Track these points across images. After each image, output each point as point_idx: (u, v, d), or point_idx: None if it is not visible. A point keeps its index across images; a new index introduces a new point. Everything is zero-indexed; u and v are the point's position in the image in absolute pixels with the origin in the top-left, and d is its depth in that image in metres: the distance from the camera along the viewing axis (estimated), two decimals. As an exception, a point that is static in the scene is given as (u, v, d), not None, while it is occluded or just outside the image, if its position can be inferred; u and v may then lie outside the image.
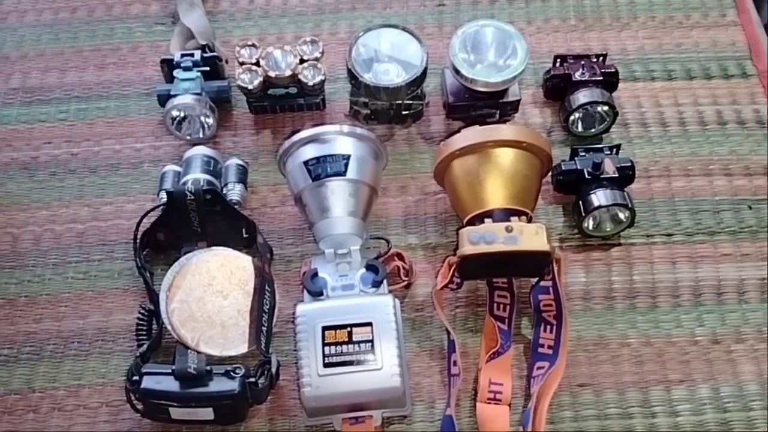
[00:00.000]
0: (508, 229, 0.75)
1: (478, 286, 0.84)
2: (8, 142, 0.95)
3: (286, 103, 0.93)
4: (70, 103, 0.98)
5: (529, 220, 0.79)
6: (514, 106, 0.92)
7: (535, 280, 0.80)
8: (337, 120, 0.94)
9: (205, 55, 0.92)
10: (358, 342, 0.73)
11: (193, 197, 0.81)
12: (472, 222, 0.79)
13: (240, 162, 0.89)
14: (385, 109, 0.92)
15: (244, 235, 0.84)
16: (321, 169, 0.80)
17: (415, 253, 0.86)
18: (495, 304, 0.81)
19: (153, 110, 0.96)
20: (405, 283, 0.83)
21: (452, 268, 0.77)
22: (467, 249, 0.75)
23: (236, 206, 0.85)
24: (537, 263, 0.77)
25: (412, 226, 0.88)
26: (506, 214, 0.78)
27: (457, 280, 0.78)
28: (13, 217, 0.90)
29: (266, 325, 0.77)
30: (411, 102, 0.91)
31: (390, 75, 0.89)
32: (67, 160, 0.93)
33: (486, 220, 0.78)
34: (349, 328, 0.73)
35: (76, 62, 1.01)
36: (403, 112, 0.92)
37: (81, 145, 0.94)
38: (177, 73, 0.90)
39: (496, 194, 0.79)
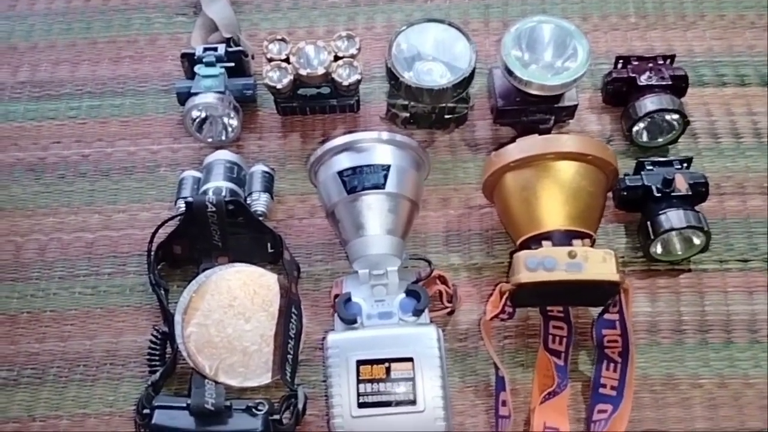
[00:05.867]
0: (572, 255, 0.67)
1: (529, 314, 0.76)
2: (14, 141, 0.90)
3: (317, 104, 0.87)
4: (82, 99, 0.92)
5: (593, 243, 0.71)
6: (571, 111, 0.84)
7: (598, 311, 0.71)
8: (373, 123, 0.88)
9: (230, 49, 0.87)
10: (397, 380, 0.66)
11: (214, 209, 0.75)
12: (528, 244, 0.71)
13: (266, 169, 0.82)
14: (427, 113, 0.84)
15: (269, 250, 0.79)
16: (357, 180, 0.73)
17: (457, 274, 0.79)
18: (550, 337, 0.73)
19: (172, 109, 0.90)
20: (448, 309, 0.75)
21: (504, 297, 0.69)
22: (524, 276, 0.67)
23: (261, 218, 0.79)
24: (602, 293, 0.69)
25: (454, 244, 0.81)
26: (567, 237, 0.70)
27: (509, 309, 0.70)
28: (16, 224, 0.84)
29: (292, 352, 0.72)
30: (455, 105, 0.84)
31: (433, 75, 0.81)
32: (77, 161, 0.88)
33: (544, 242, 0.70)
34: (387, 364, 0.67)
35: (90, 55, 0.95)
36: (446, 116, 0.85)
37: (92, 145, 0.89)
38: (199, 68, 0.84)
39: (555, 213, 0.71)
